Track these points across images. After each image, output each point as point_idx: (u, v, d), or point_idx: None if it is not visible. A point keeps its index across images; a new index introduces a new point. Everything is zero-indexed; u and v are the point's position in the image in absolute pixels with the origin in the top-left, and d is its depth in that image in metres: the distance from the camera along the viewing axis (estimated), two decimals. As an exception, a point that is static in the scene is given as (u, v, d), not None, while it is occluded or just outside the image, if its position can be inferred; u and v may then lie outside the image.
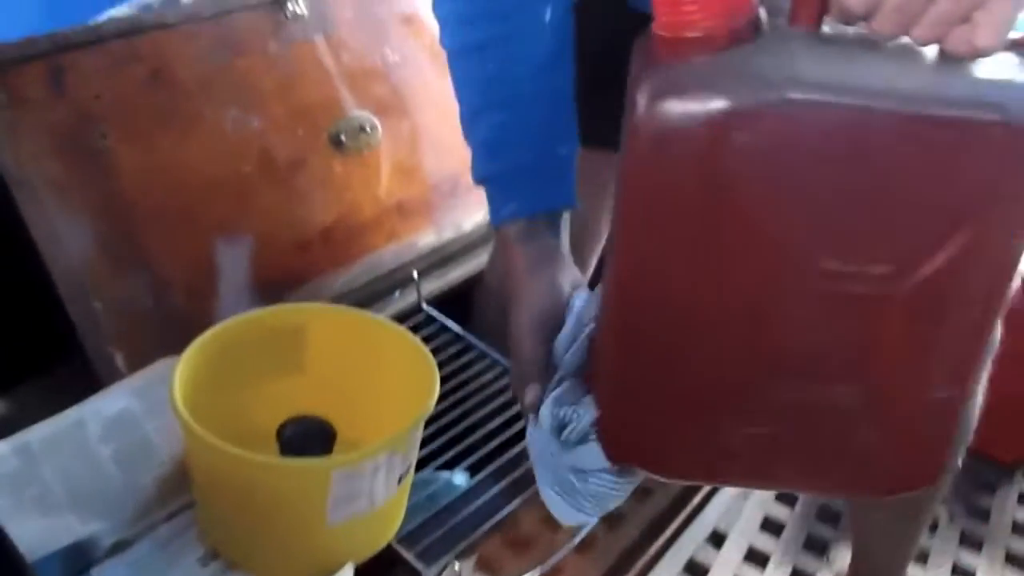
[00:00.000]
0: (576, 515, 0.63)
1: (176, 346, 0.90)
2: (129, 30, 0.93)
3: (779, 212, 0.48)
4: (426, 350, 0.82)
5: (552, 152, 0.67)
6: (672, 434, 0.56)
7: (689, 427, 0.56)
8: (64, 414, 0.81)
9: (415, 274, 1.08)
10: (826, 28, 0.49)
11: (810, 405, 0.53)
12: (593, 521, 0.64)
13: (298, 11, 1.03)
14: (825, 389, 0.53)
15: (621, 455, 0.58)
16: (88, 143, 0.90)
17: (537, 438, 0.63)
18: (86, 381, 0.90)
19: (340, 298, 1.05)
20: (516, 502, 0.89)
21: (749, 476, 0.59)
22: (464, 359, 1.04)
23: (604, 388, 0.58)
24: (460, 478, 0.99)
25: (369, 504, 0.73)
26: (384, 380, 0.85)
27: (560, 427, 0.60)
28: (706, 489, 1.48)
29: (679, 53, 0.47)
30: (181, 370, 0.74)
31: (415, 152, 1.13)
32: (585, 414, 0.58)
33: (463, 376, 1.02)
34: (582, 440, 0.59)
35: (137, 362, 0.90)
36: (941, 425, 0.55)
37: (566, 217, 0.70)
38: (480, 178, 0.70)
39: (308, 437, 0.79)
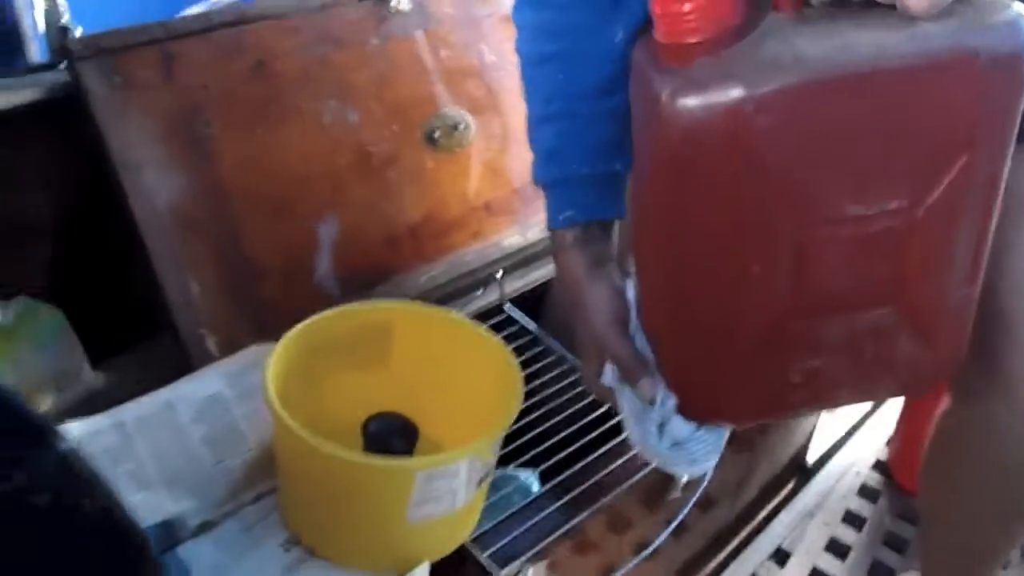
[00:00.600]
0: (692, 468, 0.70)
1: (266, 333, 0.92)
2: (236, 20, 0.95)
3: (803, 175, 0.54)
4: (512, 356, 0.82)
5: (609, 166, 0.68)
6: (736, 384, 0.63)
7: (750, 374, 0.62)
8: (158, 394, 0.84)
9: (499, 273, 1.08)
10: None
11: (854, 332, 0.60)
12: (709, 466, 0.71)
13: (400, 7, 1.04)
14: (865, 316, 0.60)
15: (702, 412, 0.65)
16: (193, 130, 0.93)
17: (634, 419, 0.69)
18: (177, 360, 0.93)
19: (424, 294, 1.06)
20: (587, 512, 0.89)
21: (809, 403, 0.65)
22: (542, 362, 1.04)
23: (669, 359, 0.64)
24: (532, 481, 0.99)
25: (449, 505, 0.74)
26: (467, 381, 0.86)
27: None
28: (771, 505, 1.47)
29: (685, 56, 0.53)
30: (274, 360, 0.75)
31: (505, 152, 1.13)
32: (668, 397, 0.65)
33: (540, 379, 1.02)
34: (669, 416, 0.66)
35: (228, 345, 0.93)
36: (961, 319, 0.63)
37: (616, 224, 0.73)
38: (540, 182, 0.73)
39: (392, 433, 0.80)
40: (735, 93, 0.50)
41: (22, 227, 0.97)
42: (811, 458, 1.55)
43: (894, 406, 1.58)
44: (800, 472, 1.53)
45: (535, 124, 0.73)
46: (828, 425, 1.60)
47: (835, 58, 0.51)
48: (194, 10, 0.98)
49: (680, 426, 0.66)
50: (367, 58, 1.02)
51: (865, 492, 1.53)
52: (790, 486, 1.51)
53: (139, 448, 0.79)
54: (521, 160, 1.15)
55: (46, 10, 0.94)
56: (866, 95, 0.52)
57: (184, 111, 0.92)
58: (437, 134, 1.07)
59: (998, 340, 0.83)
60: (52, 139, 0.95)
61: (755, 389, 0.63)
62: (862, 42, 0.51)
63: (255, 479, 0.82)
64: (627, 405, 0.69)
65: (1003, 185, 0.58)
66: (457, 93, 1.09)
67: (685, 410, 0.65)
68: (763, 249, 0.56)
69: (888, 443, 1.60)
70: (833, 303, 0.59)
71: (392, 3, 1.03)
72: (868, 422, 1.66)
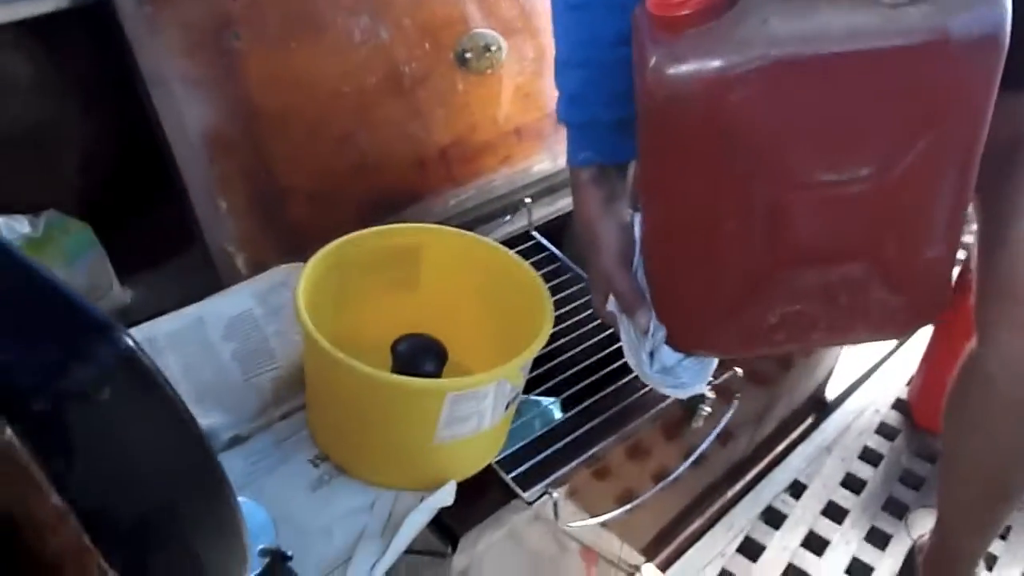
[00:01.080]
0: (680, 391, 0.77)
1: (294, 253, 0.92)
2: (268, -69, 0.92)
3: (776, 145, 0.58)
4: (542, 282, 0.82)
5: (627, 112, 0.68)
6: (721, 323, 0.68)
7: (730, 315, 0.67)
8: (187, 310, 0.84)
9: (527, 200, 1.07)
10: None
11: (829, 282, 0.65)
12: (698, 389, 0.78)
13: (434, -80, 1.00)
14: (841, 268, 0.65)
15: (687, 346, 0.72)
16: (221, 43, 0.91)
17: (629, 346, 0.76)
18: (206, 278, 0.93)
19: (452, 218, 1.05)
20: (609, 440, 0.90)
21: (786, 342, 0.70)
22: (568, 290, 1.04)
23: (661, 296, 0.70)
24: (554, 408, 1.00)
25: (476, 426, 0.75)
26: (496, 305, 0.86)
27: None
28: (789, 439, 1.48)
29: (673, 27, 0.56)
30: (304, 279, 0.75)
31: (537, 76, 1.11)
32: (658, 329, 0.71)
33: (565, 307, 1.02)
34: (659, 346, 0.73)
35: (256, 264, 0.93)
36: (938, 275, 0.66)
37: (632, 163, 0.76)
38: (562, 121, 0.77)
39: (421, 354, 0.80)
40: (711, 69, 0.55)
41: (52, 139, 0.96)
42: (831, 394, 1.56)
43: (916, 346, 1.58)
44: (819, 408, 1.54)
45: (562, 66, 0.76)
46: (849, 362, 1.60)
47: (807, 39, 0.55)
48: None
49: (668, 355, 0.73)
50: (400, -26, 0.99)
51: (883, 430, 1.53)
52: (809, 421, 1.52)
53: (169, 363, 0.80)
54: (552, 85, 1.13)
55: (73, -85, 0.91)
56: (836, 75, 0.56)
57: (213, 23, 0.90)
58: (469, 55, 1.05)
59: (1015, 273, 0.84)
60: (79, 51, 0.94)
61: (735, 328, 0.68)
62: (836, 23, 0.54)
63: (284, 396, 0.83)
64: (624, 333, 0.75)
65: (978, 154, 0.61)
66: (489, 14, 1.06)
67: (672, 341, 0.71)
68: (740, 208, 0.62)
69: (909, 382, 1.60)
70: (808, 257, 0.64)
71: (426, -83, 0.99)
72: (890, 361, 1.66)
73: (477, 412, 0.74)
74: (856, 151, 0.60)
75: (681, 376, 0.75)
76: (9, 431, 0.22)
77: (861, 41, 0.54)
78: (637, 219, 0.72)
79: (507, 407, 0.78)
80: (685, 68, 0.56)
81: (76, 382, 0.27)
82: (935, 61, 0.55)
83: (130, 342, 0.29)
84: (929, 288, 0.67)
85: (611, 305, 0.75)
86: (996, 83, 0.57)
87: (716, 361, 0.78)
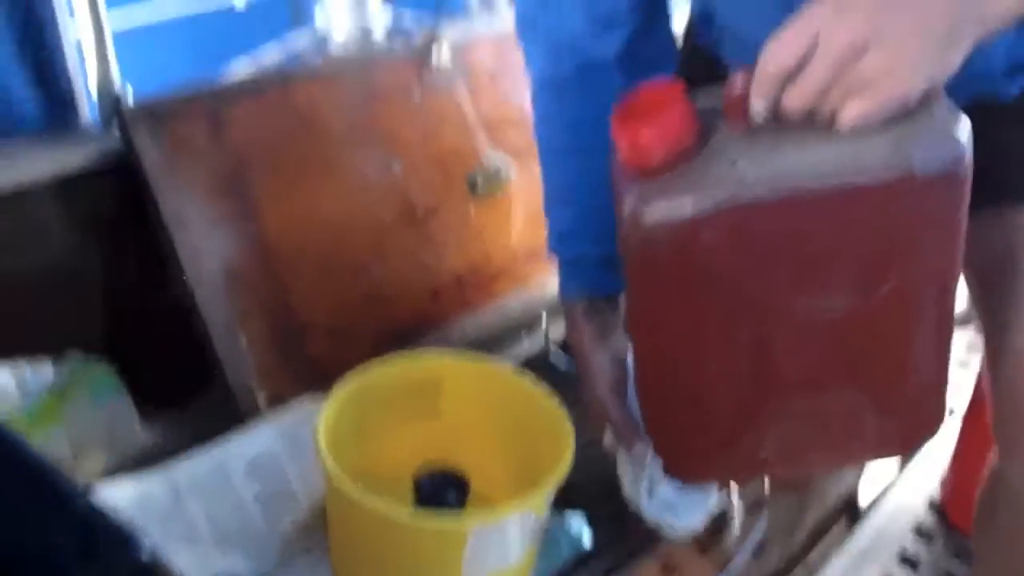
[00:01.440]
0: (677, 530, 0.81)
1: (314, 386, 0.93)
2: (283, 79, 0.96)
3: (751, 279, 0.60)
4: (562, 408, 0.82)
5: (615, 248, 0.69)
6: (715, 451, 0.69)
7: (727, 444, 0.68)
8: (209, 452, 0.84)
9: (543, 319, 1.08)
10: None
11: (822, 409, 0.65)
12: (695, 526, 0.82)
13: (441, 60, 1.05)
14: (829, 396, 0.65)
15: (683, 474, 0.71)
16: (241, 186, 0.94)
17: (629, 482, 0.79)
18: (227, 414, 0.93)
19: (470, 343, 1.06)
20: (638, 557, 0.88)
21: (788, 466, 0.71)
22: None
23: (655, 426, 0.70)
24: (581, 527, 0.98)
25: (503, 560, 0.74)
26: (518, 432, 0.86)
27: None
28: (823, 547, 1.43)
29: (646, 174, 0.58)
30: (325, 416, 0.76)
31: (547, 199, 1.14)
32: (655, 459, 0.71)
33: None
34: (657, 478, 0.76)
35: (277, 399, 0.94)
36: (931, 396, 0.66)
37: (623, 295, 0.77)
38: (553, 253, 0.80)
39: (444, 487, 0.80)
40: (683, 213, 0.57)
41: (76, 285, 0.99)
42: (863, 500, 1.52)
43: (946, 444, 1.55)
44: (852, 513, 1.50)
45: (552, 202, 0.80)
46: (879, 465, 1.56)
47: (773, 179, 0.56)
48: (241, 69, 1.00)
49: (666, 487, 0.75)
50: (411, 111, 1.03)
51: (920, 532, 1.49)
52: (842, 528, 1.47)
53: (191, 507, 0.80)
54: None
55: (99, 76, 0.96)
56: (804, 212, 0.57)
57: (232, 168, 0.94)
58: (479, 181, 1.08)
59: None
60: (104, 199, 0.97)
61: (730, 455, 0.69)
62: (799, 162, 0.56)
63: (307, 536, 0.82)
64: (621, 466, 0.78)
65: (955, 281, 0.61)
66: (498, 141, 1.10)
67: (668, 470, 0.71)
68: (724, 342, 0.63)
69: (941, 483, 1.56)
70: (795, 386, 0.65)
71: (433, 58, 1.04)
72: (920, 461, 1.63)
73: (502, 545, 0.73)
74: (831, 283, 0.60)
75: (679, 511, 0.78)
76: None
77: (826, 179, 0.55)
78: (631, 351, 0.72)
79: (533, 537, 0.76)
80: (658, 213, 0.58)
81: (43, 543, 0.27)
82: (899, 197, 0.56)
83: (152, 552, 0.29)
84: (923, 409, 0.67)
85: (606, 439, 0.76)
86: (963, 214, 0.58)
87: (715, 497, 0.80)
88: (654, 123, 0.57)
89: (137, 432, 0.95)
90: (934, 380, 0.65)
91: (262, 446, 0.84)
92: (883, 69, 0.53)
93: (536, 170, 1.12)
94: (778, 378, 0.64)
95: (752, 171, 0.56)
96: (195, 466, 0.81)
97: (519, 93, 1.12)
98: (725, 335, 0.63)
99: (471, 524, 0.70)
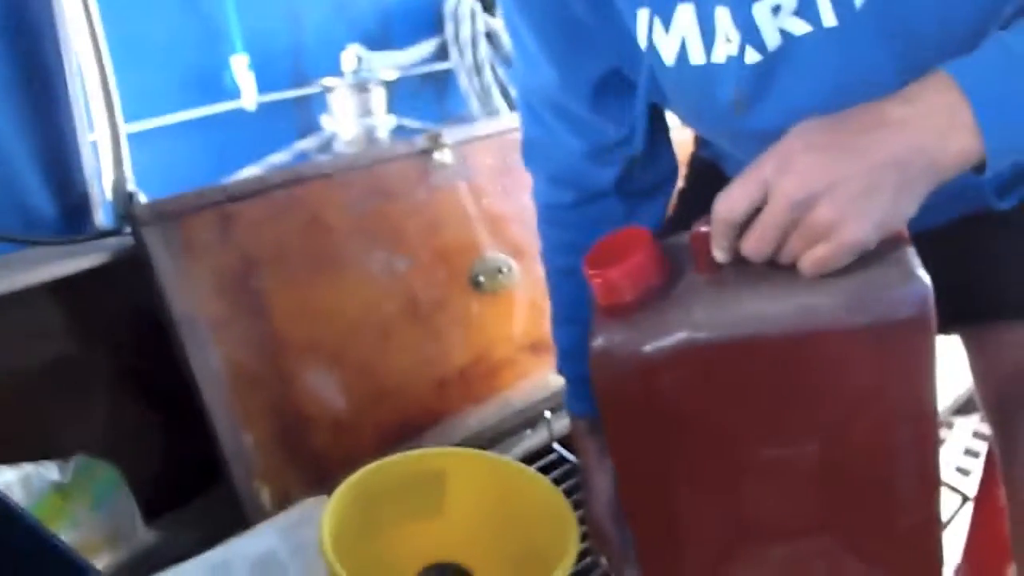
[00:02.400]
0: None
1: (319, 483, 0.93)
2: (291, 180, 0.99)
3: (715, 420, 0.60)
4: (566, 502, 0.81)
5: None
6: None
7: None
8: (212, 553, 0.83)
9: (547, 413, 1.09)
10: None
11: (803, 554, 0.64)
12: None
13: (444, 159, 1.08)
14: (808, 540, 0.63)
15: None
16: (249, 284, 0.96)
17: None
18: (232, 513, 0.93)
19: (474, 436, 1.06)
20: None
21: None
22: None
23: (642, 553, 0.70)
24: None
25: (508, 660, 0.72)
26: (522, 527, 0.85)
27: None
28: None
29: (616, 314, 0.60)
30: (329, 514, 0.75)
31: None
32: None
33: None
34: None
35: (281, 496, 0.93)
36: (921, 544, 0.63)
37: None
38: (559, 372, 0.84)
39: (448, 587, 0.78)
40: (642, 353, 0.59)
41: (82, 384, 1.00)
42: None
43: (958, 530, 1.52)
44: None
45: (558, 321, 0.84)
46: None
47: (726, 325, 0.57)
48: (250, 171, 1.03)
49: None
50: (414, 209, 1.06)
51: (937, 626, 1.45)
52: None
53: (195, 610, 0.79)
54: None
55: (113, 179, 0.99)
56: (760, 358, 0.57)
57: (240, 267, 0.96)
58: (482, 278, 1.10)
59: None
60: (115, 300, 0.99)
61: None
62: (755, 308, 0.57)
63: (311, 639, 0.80)
64: None
65: (933, 424, 0.59)
66: (500, 238, 1.12)
67: None
68: (695, 480, 0.63)
69: (956, 571, 1.53)
70: (771, 531, 0.64)
71: (436, 157, 1.08)
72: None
73: (508, 644, 0.72)
74: (796, 427, 0.60)
75: None
76: None
77: (783, 326, 0.56)
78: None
79: (539, 636, 0.75)
80: (620, 351, 0.60)
81: None
82: (861, 342, 0.55)
83: None
84: (914, 558, 0.64)
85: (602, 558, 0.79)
86: (931, 355, 0.56)
87: None
88: (621, 265, 0.60)
89: (140, 532, 0.95)
90: (923, 525, 0.62)
91: (265, 547, 0.83)
92: (835, 220, 0.53)
93: (536, 264, 1.15)
94: (751, 520, 0.64)
95: (708, 315, 0.57)
96: (198, 569, 0.80)
97: (518, 190, 1.15)
98: (696, 472, 0.63)
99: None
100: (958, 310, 0.83)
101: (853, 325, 0.54)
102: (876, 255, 0.55)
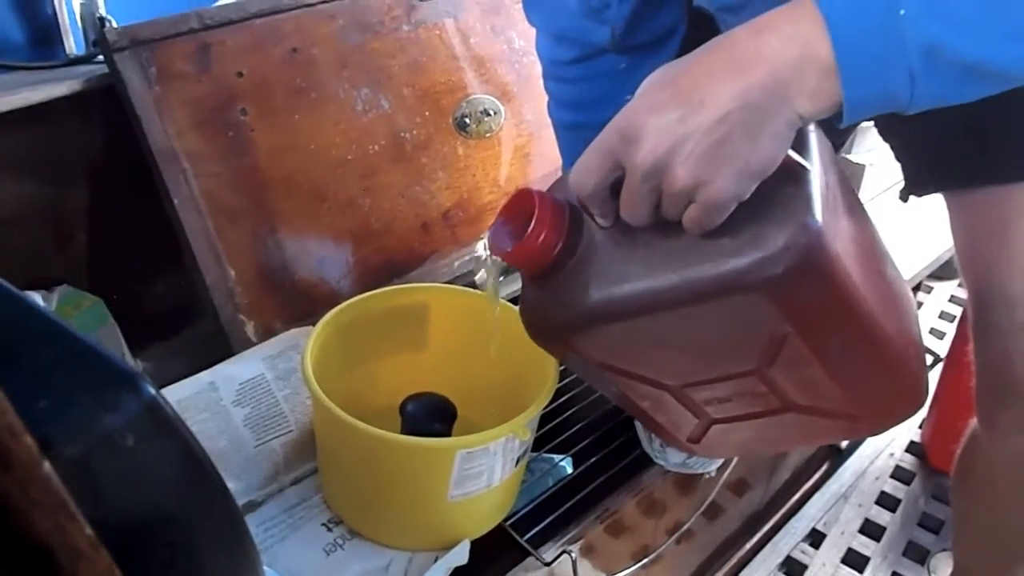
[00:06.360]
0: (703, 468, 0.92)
1: (303, 318, 0.94)
2: (272, 9, 0.95)
3: (645, 362, 0.64)
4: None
5: None
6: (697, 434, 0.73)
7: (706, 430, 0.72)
8: (199, 376, 0.85)
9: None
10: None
11: (778, 420, 0.67)
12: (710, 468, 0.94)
13: (429, -7, 1.04)
14: (775, 417, 0.66)
15: (685, 448, 0.77)
16: (229, 118, 0.94)
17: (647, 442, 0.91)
18: (217, 346, 0.94)
19: (457, 279, 1.06)
20: (622, 492, 0.90)
21: (763, 446, 0.81)
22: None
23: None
24: (565, 464, 1.00)
25: (487, 482, 0.75)
26: (503, 361, 0.87)
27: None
28: (805, 487, 1.46)
29: (535, 279, 0.64)
30: (312, 343, 0.77)
31: (535, 137, 1.14)
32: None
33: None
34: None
35: (266, 331, 0.94)
36: (888, 386, 0.64)
37: None
38: None
39: (430, 413, 0.81)
40: (558, 326, 0.63)
41: (62, 218, 0.98)
42: (844, 441, 1.55)
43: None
44: (833, 454, 1.53)
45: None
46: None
47: (624, 300, 0.57)
48: None
49: (674, 454, 0.88)
50: (399, 45, 1.03)
51: (899, 474, 1.52)
52: (823, 469, 1.50)
53: (182, 430, 0.81)
54: (551, 147, 1.15)
55: (82, 2, 0.95)
56: (661, 319, 0.57)
57: (220, 100, 0.93)
58: (468, 120, 1.08)
59: (1009, 366, 0.84)
60: (90, 130, 0.97)
61: (707, 447, 0.74)
62: (649, 279, 0.56)
63: (296, 460, 0.83)
64: (639, 426, 0.88)
65: (872, 308, 0.57)
66: (487, 79, 1.09)
67: (678, 446, 0.78)
68: (656, 392, 0.68)
69: (921, 425, 1.59)
70: (747, 416, 0.67)
71: (421, -11, 1.04)
72: (901, 405, 1.65)
73: (487, 469, 0.74)
74: (723, 360, 0.62)
75: (690, 463, 0.88)
76: (47, 465, 0.23)
77: (676, 297, 0.55)
78: None
79: (517, 462, 0.78)
80: (541, 321, 0.65)
81: (104, 431, 0.29)
82: (763, 290, 0.53)
83: (152, 391, 0.31)
84: (881, 402, 0.66)
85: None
86: (841, 279, 0.54)
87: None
88: (522, 243, 0.60)
89: (127, 363, 0.96)
90: (884, 379, 0.63)
91: (251, 372, 0.84)
92: (693, 182, 0.50)
93: (524, 108, 1.13)
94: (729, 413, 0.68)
95: (602, 295, 0.58)
96: (185, 389, 0.82)
97: (508, 29, 1.11)
98: (653, 390, 0.67)
99: (457, 446, 0.71)
100: (941, 170, 0.83)
101: (746, 284, 0.52)
102: (768, 192, 0.51)
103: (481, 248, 0.72)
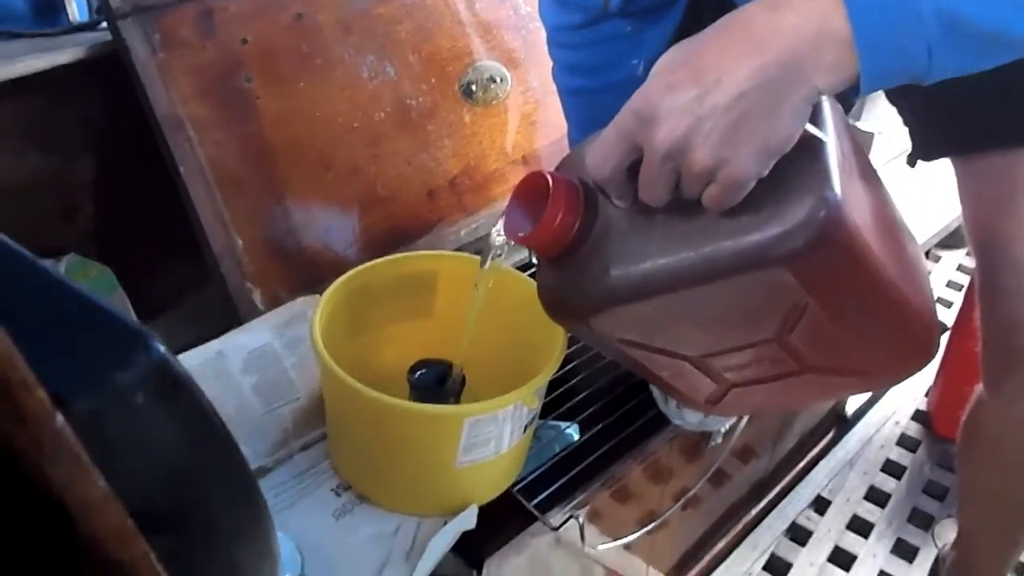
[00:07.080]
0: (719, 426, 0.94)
1: (311, 286, 0.94)
2: (275, -26, 0.94)
3: (672, 333, 0.64)
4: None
5: None
6: (715, 398, 0.74)
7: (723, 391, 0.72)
8: (207, 345, 0.85)
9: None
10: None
11: (793, 380, 0.67)
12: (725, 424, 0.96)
13: (435, -42, 1.03)
14: (791, 379, 0.67)
15: (703, 408, 0.79)
16: (233, 85, 0.93)
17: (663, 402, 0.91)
18: (224, 315, 0.94)
19: (464, 247, 1.06)
20: (628, 459, 0.90)
21: (780, 404, 0.82)
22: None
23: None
24: (572, 431, 1.00)
25: (495, 449, 0.75)
26: (511, 329, 0.87)
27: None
28: (811, 454, 1.47)
29: (552, 262, 0.65)
30: (320, 310, 0.77)
31: (541, 105, 1.13)
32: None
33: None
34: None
35: (273, 299, 0.94)
36: (912, 340, 0.65)
37: None
38: None
39: (438, 380, 0.81)
40: (575, 313, 0.64)
41: (67, 187, 0.98)
42: (850, 408, 1.56)
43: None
44: (839, 422, 1.53)
45: (572, 141, 0.86)
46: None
47: (642, 283, 0.58)
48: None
49: (690, 414, 0.88)
50: (405, 11, 1.02)
51: (904, 442, 1.53)
52: (829, 436, 1.51)
53: (191, 397, 0.81)
54: (558, 114, 1.14)
55: (86, -32, 0.94)
56: (681, 299, 0.57)
57: (225, 66, 0.92)
58: (474, 88, 1.07)
59: (1016, 330, 0.84)
60: (94, 98, 0.97)
61: (724, 407, 0.75)
62: (667, 260, 0.56)
63: (305, 427, 0.84)
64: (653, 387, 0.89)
65: (885, 273, 0.57)
66: (493, 46, 1.08)
67: (694, 407, 0.80)
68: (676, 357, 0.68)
69: (927, 392, 1.60)
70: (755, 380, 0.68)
71: (427, -46, 1.02)
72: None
73: (495, 436, 0.74)
74: (742, 329, 0.62)
75: (706, 422, 0.89)
76: (61, 418, 0.23)
77: (696, 275, 0.55)
78: None
79: (524, 429, 0.78)
80: (560, 305, 0.66)
81: (114, 389, 0.29)
82: (779, 274, 0.53)
83: (162, 349, 0.31)
84: (901, 351, 0.66)
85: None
86: (868, 251, 0.54)
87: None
88: (537, 230, 0.60)
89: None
90: (891, 337, 0.63)
91: (260, 340, 0.85)
92: (713, 161, 0.50)
93: (531, 74, 1.13)
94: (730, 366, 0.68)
95: (622, 277, 0.58)
96: (193, 358, 0.82)
97: (515, -5, 1.10)
98: (672, 360, 0.67)
99: (465, 413, 0.71)
100: (949, 134, 0.83)
101: (768, 259, 0.52)
102: (785, 166, 0.51)
103: (495, 234, 0.72)
